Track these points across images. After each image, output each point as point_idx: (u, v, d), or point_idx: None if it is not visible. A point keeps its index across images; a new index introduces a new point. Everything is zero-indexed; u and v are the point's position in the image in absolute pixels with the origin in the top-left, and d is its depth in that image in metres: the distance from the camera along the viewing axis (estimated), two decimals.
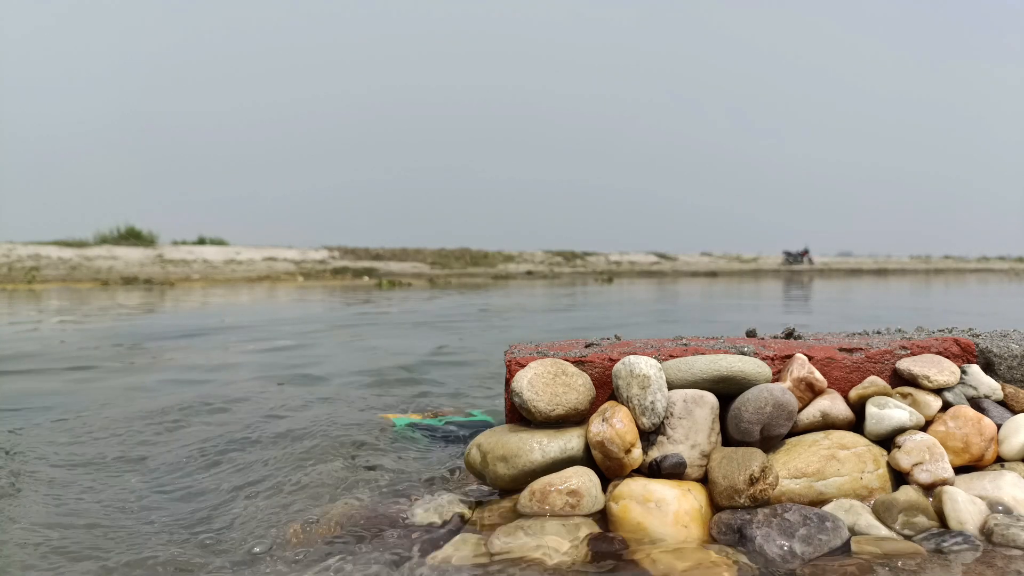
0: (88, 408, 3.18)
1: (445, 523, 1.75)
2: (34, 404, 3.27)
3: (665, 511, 1.60)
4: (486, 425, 2.65)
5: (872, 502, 1.70)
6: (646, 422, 1.70)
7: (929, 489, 1.69)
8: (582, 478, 1.67)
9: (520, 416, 1.80)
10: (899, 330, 2.35)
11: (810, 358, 1.86)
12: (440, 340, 5.88)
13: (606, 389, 1.84)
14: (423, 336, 6.24)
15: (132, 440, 2.63)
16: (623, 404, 1.74)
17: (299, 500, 1.91)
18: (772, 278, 23.74)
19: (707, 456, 1.73)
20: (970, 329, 2.21)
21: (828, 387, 1.86)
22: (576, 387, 1.76)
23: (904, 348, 1.93)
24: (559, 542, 1.55)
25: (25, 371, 4.28)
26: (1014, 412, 1.84)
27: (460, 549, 1.56)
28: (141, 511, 1.90)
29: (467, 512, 1.79)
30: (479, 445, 1.81)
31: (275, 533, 1.70)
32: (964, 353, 1.95)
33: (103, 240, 23.37)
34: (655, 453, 1.73)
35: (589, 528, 1.61)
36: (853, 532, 1.62)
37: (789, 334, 2.21)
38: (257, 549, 1.62)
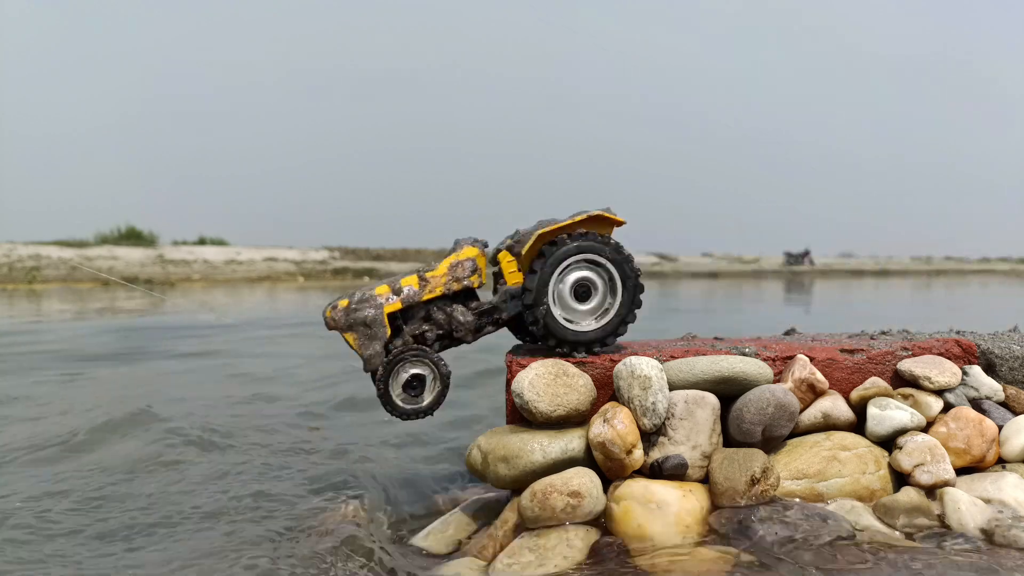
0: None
1: (446, 541, 1.74)
2: None
3: (666, 512, 1.60)
4: None
5: (873, 503, 1.69)
6: (647, 423, 1.70)
7: (930, 490, 1.69)
8: (583, 479, 1.67)
9: (521, 417, 1.80)
10: (905, 330, 2.35)
11: (811, 359, 1.86)
12: None
13: (607, 390, 1.83)
14: None
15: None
16: (624, 405, 1.73)
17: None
18: (773, 279, 23.71)
19: (708, 457, 1.73)
20: (971, 331, 2.21)
21: (829, 388, 1.85)
22: (577, 388, 1.76)
23: (905, 349, 1.93)
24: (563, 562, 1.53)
25: None
26: (1016, 413, 1.84)
27: (462, 571, 1.55)
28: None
29: (468, 528, 1.79)
30: (480, 446, 1.81)
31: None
32: (965, 354, 1.94)
33: (103, 240, 23.36)
34: (656, 454, 1.72)
35: (593, 541, 1.61)
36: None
37: (789, 334, 2.20)
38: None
